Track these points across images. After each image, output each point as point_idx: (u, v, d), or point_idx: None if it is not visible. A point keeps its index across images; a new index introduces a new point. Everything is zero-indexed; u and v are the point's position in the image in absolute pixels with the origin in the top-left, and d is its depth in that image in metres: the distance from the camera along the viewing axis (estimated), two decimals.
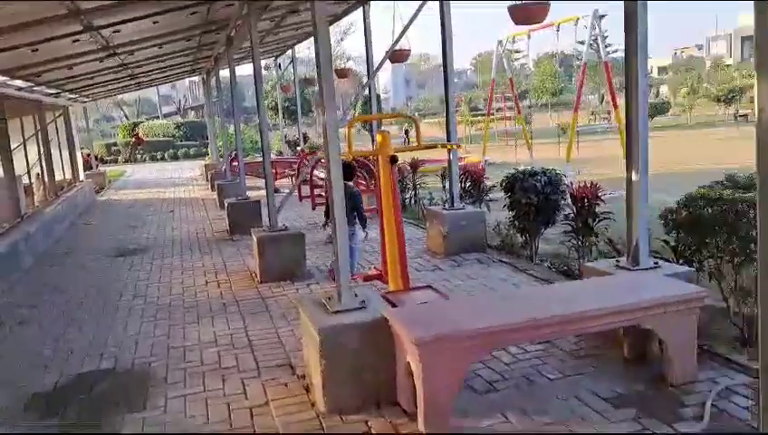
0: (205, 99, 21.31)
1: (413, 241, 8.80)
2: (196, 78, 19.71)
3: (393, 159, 5.68)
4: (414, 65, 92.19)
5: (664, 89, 61.92)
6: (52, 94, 12.99)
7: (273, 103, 38.52)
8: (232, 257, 8.76)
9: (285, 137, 21.43)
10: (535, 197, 7.79)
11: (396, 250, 5.74)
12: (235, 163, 14.82)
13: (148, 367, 4.99)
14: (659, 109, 37.71)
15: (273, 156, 23.36)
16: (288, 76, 21.98)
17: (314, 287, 6.87)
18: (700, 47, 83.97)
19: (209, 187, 17.33)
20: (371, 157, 7.93)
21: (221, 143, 20.03)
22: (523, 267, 7.12)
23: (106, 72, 11.40)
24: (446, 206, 8.09)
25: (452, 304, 5.00)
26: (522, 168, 8.29)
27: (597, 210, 7.25)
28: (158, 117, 45.28)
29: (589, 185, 7.29)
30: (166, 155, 33.79)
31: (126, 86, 16.69)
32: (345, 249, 4.30)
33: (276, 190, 16.17)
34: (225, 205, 10.58)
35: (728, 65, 64.18)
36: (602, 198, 7.21)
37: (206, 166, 21.11)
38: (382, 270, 6.33)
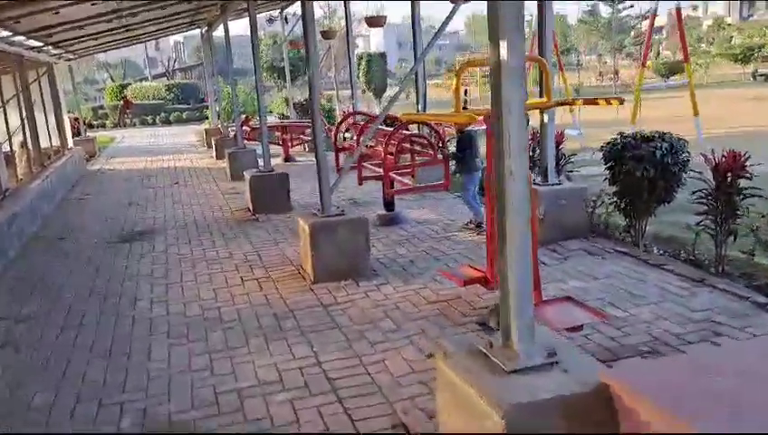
0: (204, 56, 19.35)
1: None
2: (195, 31, 17.71)
3: None
4: (406, 27, 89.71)
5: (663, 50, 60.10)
6: (34, 48, 11.12)
7: (269, 63, 36.49)
8: (264, 244, 7.14)
9: (292, 98, 19.53)
10: (653, 168, 6.21)
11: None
12: (247, 127, 13.12)
13: (192, 428, 3.43)
14: (675, 68, 35.88)
15: (273, 119, 21.56)
16: (297, 31, 20.02)
17: (387, 291, 5.30)
18: (696, 7, 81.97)
19: (214, 154, 15.58)
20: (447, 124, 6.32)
21: (223, 105, 18.17)
22: (649, 260, 5.57)
23: (97, 19, 9.56)
24: (538, 180, 6.48)
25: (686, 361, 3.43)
26: (627, 131, 6.68)
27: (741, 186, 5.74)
28: (148, 79, 42.90)
29: (731, 154, 5.73)
30: (157, 119, 31.72)
31: (118, 40, 14.75)
32: (524, 274, 2.70)
33: (288, 159, 14.59)
34: (246, 178, 8.90)
35: (729, 24, 62.36)
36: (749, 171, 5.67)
37: (206, 131, 19.27)
38: (487, 270, 4.77)
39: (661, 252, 6.44)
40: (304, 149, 15.33)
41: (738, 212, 5.73)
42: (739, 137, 12.67)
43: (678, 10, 10.66)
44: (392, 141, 6.62)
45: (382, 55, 32.34)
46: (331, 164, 8.27)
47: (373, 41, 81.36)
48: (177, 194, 11.07)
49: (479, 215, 6.75)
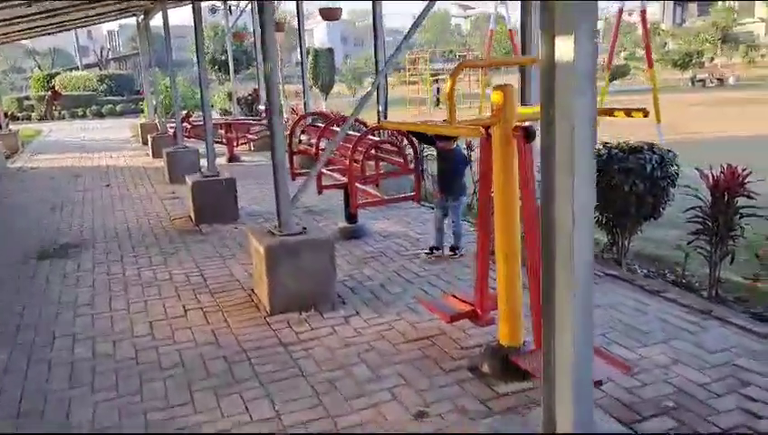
0: (140, 46, 18.04)
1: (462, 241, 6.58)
2: (131, 19, 16.43)
3: (528, 134, 3.42)
4: (349, 23, 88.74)
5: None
6: None
7: (210, 56, 35.00)
8: (209, 262, 6.27)
9: (236, 93, 18.44)
10: (641, 183, 5.72)
11: (510, 289, 3.54)
12: (187, 124, 12.10)
13: None
14: (621, 71, 36.48)
15: (215, 115, 20.39)
16: (240, 23, 18.98)
17: (357, 324, 4.57)
18: (631, 13, 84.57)
19: (150, 152, 14.41)
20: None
21: (161, 98, 16.95)
22: (645, 286, 5.05)
23: (8, 2, 8.39)
24: None
25: None
26: (614, 141, 6.16)
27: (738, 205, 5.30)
28: (78, 68, 40.50)
29: (729, 171, 5.27)
30: (88, 112, 29.84)
31: (41, 27, 13.40)
32: (584, 349, 2.02)
33: (232, 159, 13.60)
34: (188, 183, 7.97)
35: (664, 30, 64.44)
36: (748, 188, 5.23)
37: (141, 126, 18.01)
38: (475, 302, 4.12)
39: (645, 272, 5.96)
40: (250, 148, 14.39)
41: (734, 233, 5.29)
42: (697, 144, 12.55)
43: (643, 11, 10.33)
44: (359, 148, 5.88)
45: (330, 51, 31.47)
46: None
47: (317, 36, 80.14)
48: (108, 198, 9.98)
49: (436, 241, 6.06)
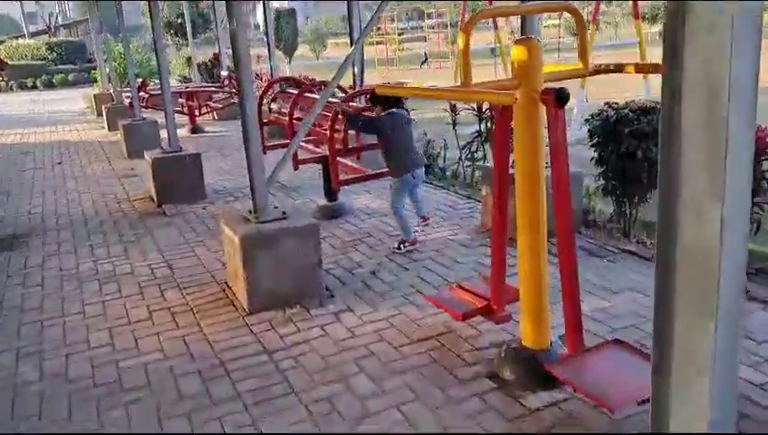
0: (89, 9, 16.75)
1: (454, 216, 6.01)
2: None
3: (561, 97, 2.83)
4: None
5: None
6: None
7: (166, 20, 33.27)
8: (176, 250, 5.59)
9: (193, 59, 17.33)
10: (655, 147, 5.19)
11: (534, 279, 3.01)
12: (144, 93, 11.19)
13: None
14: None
15: (173, 82, 19.26)
16: None
17: (350, 322, 3.98)
18: None
19: (105, 124, 13.42)
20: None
21: (114, 65, 15.83)
22: None
23: None
24: None
25: None
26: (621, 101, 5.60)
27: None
28: (24, 36, 38.23)
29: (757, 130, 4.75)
30: (38, 82, 28.14)
31: None
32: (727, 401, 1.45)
33: (195, 130, 12.71)
34: (148, 160, 7.20)
35: None
36: None
37: (95, 97, 16.84)
38: (490, 295, 3.57)
39: (654, 242, 5.48)
40: (214, 117, 13.50)
41: (760, 199, 4.83)
42: None
43: None
44: (341, 117, 5.21)
45: (292, 12, 30.16)
46: None
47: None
48: (60, 177, 9.12)
49: (409, 234, 5.24)
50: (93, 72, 24.96)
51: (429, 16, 34.12)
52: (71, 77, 28.55)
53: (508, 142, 3.24)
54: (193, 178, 7.20)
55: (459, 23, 13.65)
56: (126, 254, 5.58)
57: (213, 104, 12.57)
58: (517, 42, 2.94)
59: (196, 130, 12.25)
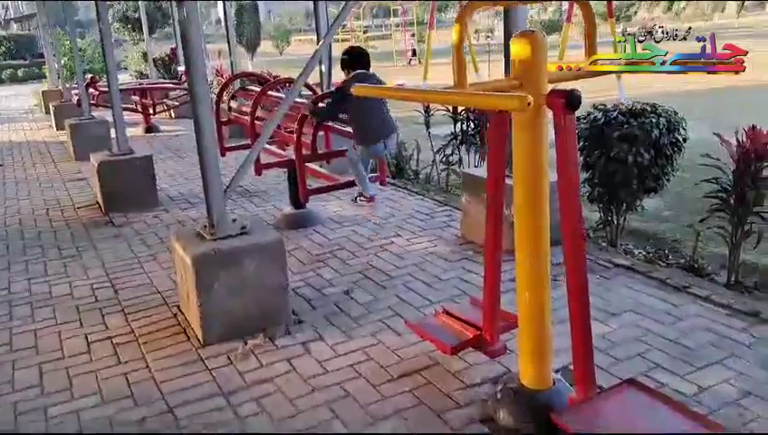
0: (36, 4, 15.80)
1: (432, 225, 5.54)
2: None
3: (572, 100, 2.39)
4: None
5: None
6: None
7: (122, 13, 32.10)
8: (122, 266, 4.99)
9: (152, 54, 16.50)
10: (646, 152, 4.84)
11: (536, 308, 2.58)
12: (94, 90, 10.45)
13: None
14: (551, 27, 35.83)
15: (128, 78, 18.42)
16: None
17: (322, 354, 3.48)
18: None
19: (53, 123, 12.59)
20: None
21: (64, 61, 14.95)
22: (666, 279, 4.17)
23: None
24: (509, 168, 4.82)
25: None
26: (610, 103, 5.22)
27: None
28: None
29: (752, 133, 4.44)
30: None
31: None
32: None
33: (150, 129, 11.97)
34: (93, 164, 6.56)
35: None
36: None
37: (43, 93, 15.93)
38: (483, 325, 3.12)
39: (644, 254, 5.11)
40: (170, 115, 12.78)
41: (761, 208, 4.50)
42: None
43: None
44: (309, 120, 4.69)
45: (254, 6, 29.35)
46: None
47: None
48: (0, 181, 8.37)
49: (368, 189, 5.27)
50: (44, 67, 23.82)
51: (395, 14, 33.69)
52: (20, 72, 27.25)
53: (504, 150, 2.79)
54: (144, 184, 6.59)
55: (428, 20, 13.17)
56: (65, 271, 4.96)
57: (169, 102, 11.87)
58: (518, 36, 2.48)
59: (150, 129, 11.55)
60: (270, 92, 5.60)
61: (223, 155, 6.44)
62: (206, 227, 3.88)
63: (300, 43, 49.01)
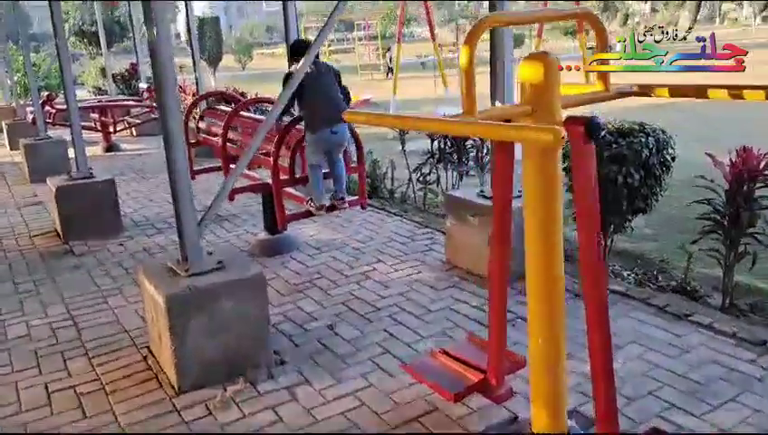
0: None
1: (414, 248, 5.31)
2: None
3: (592, 128, 2.20)
4: None
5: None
6: None
7: (77, 27, 31.22)
8: (85, 301, 4.61)
9: (108, 69, 15.94)
10: (636, 172, 4.71)
11: (552, 346, 2.36)
12: (51, 108, 9.96)
13: None
14: (515, 40, 36.31)
15: (86, 94, 17.77)
16: None
17: (309, 400, 3.20)
18: None
19: (6, 142, 11.98)
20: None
21: (17, 77, 14.34)
22: (665, 307, 4.01)
23: None
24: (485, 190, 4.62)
25: None
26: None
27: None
28: None
29: (745, 153, 4.35)
30: None
31: None
32: None
33: (110, 148, 11.48)
34: (51, 189, 6.14)
35: None
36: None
37: None
38: (488, 367, 2.90)
39: (634, 276, 4.98)
40: (132, 133, 12.30)
41: (754, 230, 4.40)
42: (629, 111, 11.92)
43: None
44: (288, 141, 4.42)
45: (216, 20, 28.90)
46: None
47: (196, 5, 75.01)
48: None
49: (320, 196, 4.76)
50: None
51: (358, 27, 33.60)
52: None
53: (511, 177, 2.58)
54: (106, 209, 6.20)
55: (397, 33, 13.02)
56: (22, 309, 4.55)
57: (131, 120, 11.42)
58: (529, 58, 2.28)
59: (111, 148, 11.08)
60: (242, 112, 5.31)
61: (192, 178, 6.12)
62: (178, 261, 3.57)
63: (261, 57, 48.56)
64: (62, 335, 4.08)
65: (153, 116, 10.90)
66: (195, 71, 10.17)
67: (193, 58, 10.27)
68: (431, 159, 6.93)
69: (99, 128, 10.96)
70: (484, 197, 4.56)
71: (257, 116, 5.56)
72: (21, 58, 16.29)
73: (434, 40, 12.96)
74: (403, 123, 2.40)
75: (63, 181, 6.16)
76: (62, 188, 6.04)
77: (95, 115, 10.99)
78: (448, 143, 6.80)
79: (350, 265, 4.99)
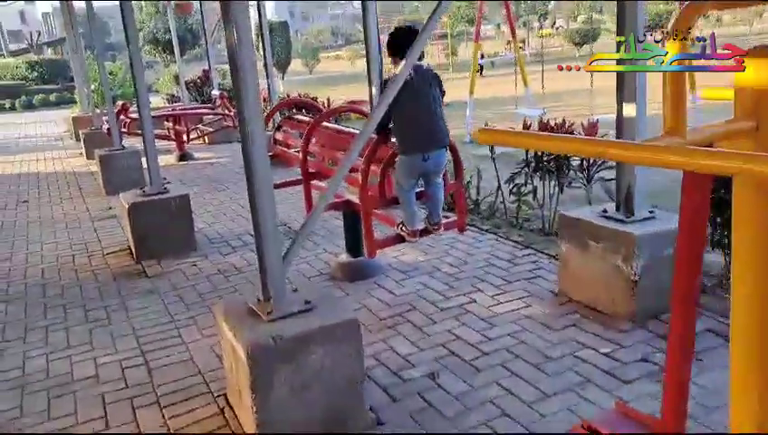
0: (66, 27, 15.43)
1: (516, 274, 4.67)
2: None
3: None
4: None
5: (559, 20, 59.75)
6: None
7: (151, 35, 32.03)
8: (156, 334, 4.22)
9: (183, 76, 15.97)
10: None
11: None
12: (125, 118, 9.85)
13: None
14: (592, 35, 34.71)
15: (159, 100, 17.92)
16: None
17: None
18: None
19: (84, 151, 12.06)
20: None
21: (94, 86, 14.50)
22: None
23: None
24: (620, 211, 3.93)
25: None
26: None
27: None
28: (3, 55, 36.76)
29: None
30: (17, 104, 26.74)
31: None
32: None
33: (183, 157, 11.33)
34: (124, 205, 5.85)
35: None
36: None
37: (73, 120, 15.50)
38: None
39: None
40: (204, 141, 12.15)
41: None
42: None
43: None
44: (378, 157, 3.87)
45: (284, 24, 28.94)
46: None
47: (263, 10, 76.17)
48: (23, 221, 7.73)
49: (413, 220, 4.10)
50: (75, 92, 23.62)
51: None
52: (53, 97, 27.17)
53: (705, 218, 1.93)
54: (180, 227, 5.86)
55: (474, 32, 12.27)
56: (91, 342, 4.20)
57: (203, 128, 11.23)
58: (756, 52, 1.62)
59: (184, 156, 10.91)
60: (325, 123, 4.81)
61: None
62: (259, 300, 3.08)
63: (327, 60, 48.71)
64: (132, 377, 3.68)
65: (226, 123, 10.67)
66: (267, 76, 9.86)
67: (265, 62, 9.96)
68: (526, 169, 6.25)
69: (172, 136, 10.81)
70: (609, 218, 3.88)
71: (340, 127, 5.05)
72: (95, 66, 16.59)
73: (514, 38, 12.24)
74: (561, 146, 1.77)
75: (136, 197, 5.85)
76: (136, 205, 5.73)
77: (169, 123, 10.85)
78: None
79: (445, 296, 4.40)
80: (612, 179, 5.52)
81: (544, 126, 6.05)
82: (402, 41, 3.85)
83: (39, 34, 47.73)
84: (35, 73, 30.29)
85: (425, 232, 4.11)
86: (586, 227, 3.95)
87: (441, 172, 4.02)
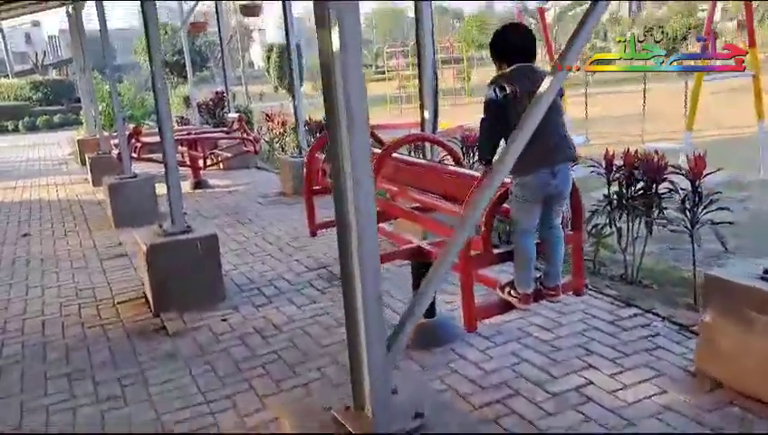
0: (72, 46, 14.72)
1: (629, 344, 3.77)
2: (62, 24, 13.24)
3: None
4: (301, 20, 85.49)
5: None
6: None
7: (165, 55, 31.53)
8: (185, 424, 3.31)
9: (194, 98, 15.20)
10: None
11: None
12: (137, 142, 9.01)
13: None
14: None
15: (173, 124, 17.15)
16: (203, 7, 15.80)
17: None
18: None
19: (89, 177, 11.20)
20: None
21: (101, 108, 13.73)
22: None
23: None
24: None
25: None
26: None
27: None
28: (8, 76, 36.13)
29: None
30: (20, 125, 25.99)
31: None
32: None
33: (199, 184, 10.47)
34: (141, 248, 4.96)
35: (624, 19, 63.64)
36: None
37: (79, 142, 14.68)
38: None
39: None
40: (220, 167, 11.30)
41: None
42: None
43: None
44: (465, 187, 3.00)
45: (296, 47, 28.31)
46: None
47: (269, 34, 76.15)
48: (23, 259, 6.83)
49: (529, 280, 3.14)
50: (81, 113, 22.88)
51: (443, 50, 32.42)
52: (57, 118, 26.42)
53: None
54: (207, 273, 4.97)
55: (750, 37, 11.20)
56: (102, 428, 3.29)
57: (221, 153, 10.39)
58: None
59: (200, 184, 10.06)
60: (394, 154, 3.94)
61: (313, 235, 4.83)
62: (347, 408, 2.19)
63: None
64: None
65: (245, 148, 9.84)
66: (294, 98, 9.07)
67: (291, 82, 9.19)
68: (608, 207, 5.38)
69: (187, 162, 9.97)
70: None
71: (418, 160, 4.19)
72: (106, 87, 15.84)
73: (753, 46, 11.07)
74: None
75: (155, 237, 4.97)
76: (155, 248, 4.84)
77: (183, 148, 10.02)
78: (634, 185, 5.24)
79: (550, 374, 3.50)
80: (724, 223, 4.68)
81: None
82: (506, 47, 3.05)
83: (45, 54, 47.28)
84: (39, 94, 29.59)
85: (538, 297, 3.21)
86: (747, 293, 3.06)
87: (565, 201, 3.12)
